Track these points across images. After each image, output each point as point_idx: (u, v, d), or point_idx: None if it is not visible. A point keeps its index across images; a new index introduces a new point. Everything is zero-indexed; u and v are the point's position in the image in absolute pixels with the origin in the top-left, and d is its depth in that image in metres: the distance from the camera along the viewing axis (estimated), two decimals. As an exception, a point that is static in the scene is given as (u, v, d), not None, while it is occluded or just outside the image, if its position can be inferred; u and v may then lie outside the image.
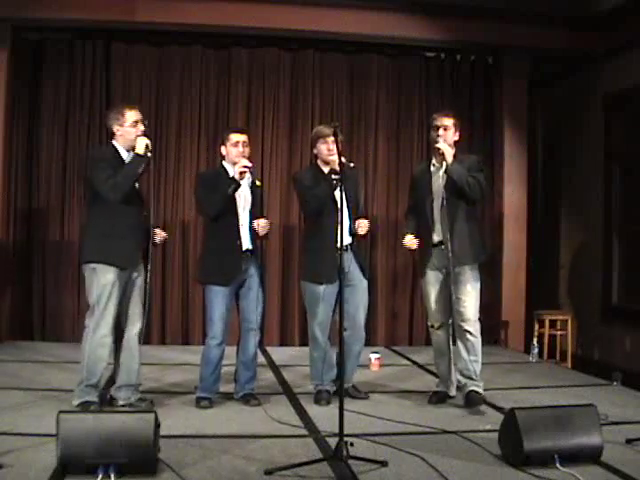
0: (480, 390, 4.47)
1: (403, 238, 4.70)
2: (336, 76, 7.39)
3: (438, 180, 4.53)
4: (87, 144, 6.93)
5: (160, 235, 4.40)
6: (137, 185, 4.30)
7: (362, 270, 4.69)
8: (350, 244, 4.62)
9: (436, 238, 4.53)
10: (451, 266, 4.40)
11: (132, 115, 4.26)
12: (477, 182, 4.44)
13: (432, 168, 4.61)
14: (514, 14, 6.90)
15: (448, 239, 4.42)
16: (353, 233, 4.62)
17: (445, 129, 4.52)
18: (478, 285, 4.55)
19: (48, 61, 6.98)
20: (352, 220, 4.61)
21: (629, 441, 3.70)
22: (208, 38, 7.15)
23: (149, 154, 4.20)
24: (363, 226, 4.57)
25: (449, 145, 4.49)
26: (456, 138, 4.60)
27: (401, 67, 7.51)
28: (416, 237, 4.64)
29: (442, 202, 4.47)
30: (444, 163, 4.44)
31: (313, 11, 6.71)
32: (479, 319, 4.54)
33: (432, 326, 4.71)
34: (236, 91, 7.24)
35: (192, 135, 7.17)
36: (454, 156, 4.46)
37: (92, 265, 4.18)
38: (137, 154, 4.18)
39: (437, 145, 4.49)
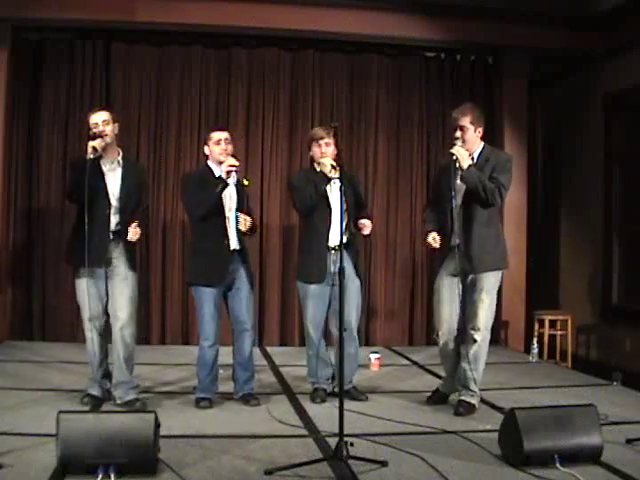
0: (473, 401, 4.36)
1: (425, 235, 4.46)
2: (336, 76, 7.38)
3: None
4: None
5: (134, 232, 4.27)
6: (118, 187, 4.30)
7: (355, 269, 4.65)
8: (344, 244, 4.60)
9: (456, 240, 4.34)
10: (470, 272, 4.29)
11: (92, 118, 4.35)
12: (496, 186, 4.21)
13: (458, 165, 4.28)
14: (514, 14, 6.90)
15: (461, 242, 4.29)
16: (351, 232, 4.61)
17: (462, 129, 4.30)
18: (494, 293, 4.36)
19: (48, 61, 6.97)
20: (350, 221, 4.59)
21: (629, 441, 3.70)
22: (208, 38, 7.14)
23: (92, 155, 4.17)
24: (366, 227, 4.57)
25: (470, 145, 4.30)
26: (478, 135, 4.35)
27: (401, 67, 7.51)
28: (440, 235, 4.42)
29: (461, 203, 4.31)
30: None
31: (313, 11, 6.71)
32: (492, 326, 4.38)
33: (437, 335, 4.54)
34: (236, 91, 7.23)
35: (192, 135, 7.16)
36: (481, 152, 4.33)
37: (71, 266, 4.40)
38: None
39: (451, 150, 4.29)
